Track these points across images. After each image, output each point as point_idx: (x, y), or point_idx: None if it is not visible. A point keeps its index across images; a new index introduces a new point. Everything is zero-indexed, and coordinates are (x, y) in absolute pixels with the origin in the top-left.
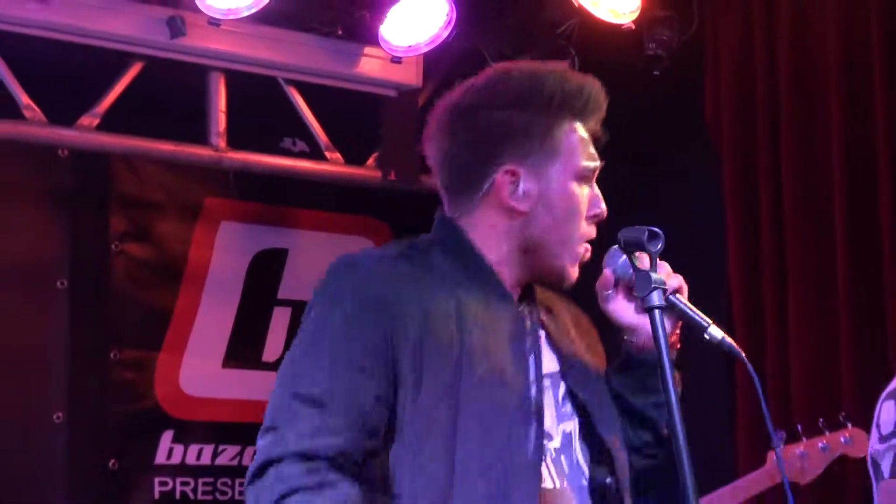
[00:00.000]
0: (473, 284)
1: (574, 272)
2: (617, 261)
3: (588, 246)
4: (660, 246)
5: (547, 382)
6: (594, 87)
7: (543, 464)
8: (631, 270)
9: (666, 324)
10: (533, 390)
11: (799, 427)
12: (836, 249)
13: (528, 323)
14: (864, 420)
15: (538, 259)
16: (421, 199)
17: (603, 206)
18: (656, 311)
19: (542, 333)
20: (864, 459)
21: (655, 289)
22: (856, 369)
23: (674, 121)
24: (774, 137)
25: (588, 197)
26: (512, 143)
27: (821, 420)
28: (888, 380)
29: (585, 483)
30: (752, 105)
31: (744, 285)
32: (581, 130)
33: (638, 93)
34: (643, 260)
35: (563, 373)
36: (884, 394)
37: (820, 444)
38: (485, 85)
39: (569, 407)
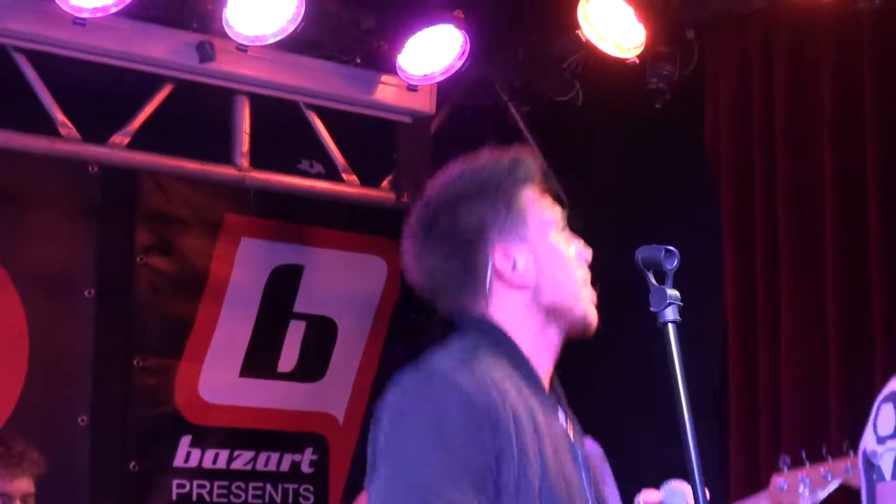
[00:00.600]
0: (528, 386)
1: (594, 314)
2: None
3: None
4: (675, 263)
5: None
6: (525, 157)
7: None
8: None
9: None
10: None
11: (803, 453)
12: (826, 276)
13: (571, 430)
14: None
15: (562, 320)
16: None
17: (586, 248)
18: (670, 326)
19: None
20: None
21: (670, 304)
22: (844, 391)
23: (675, 151)
24: (770, 167)
25: (568, 241)
26: (488, 231)
27: (824, 447)
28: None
29: None
30: (749, 136)
31: (739, 309)
32: (536, 191)
33: (640, 124)
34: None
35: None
36: (882, 396)
37: (822, 471)
38: (448, 188)
39: None
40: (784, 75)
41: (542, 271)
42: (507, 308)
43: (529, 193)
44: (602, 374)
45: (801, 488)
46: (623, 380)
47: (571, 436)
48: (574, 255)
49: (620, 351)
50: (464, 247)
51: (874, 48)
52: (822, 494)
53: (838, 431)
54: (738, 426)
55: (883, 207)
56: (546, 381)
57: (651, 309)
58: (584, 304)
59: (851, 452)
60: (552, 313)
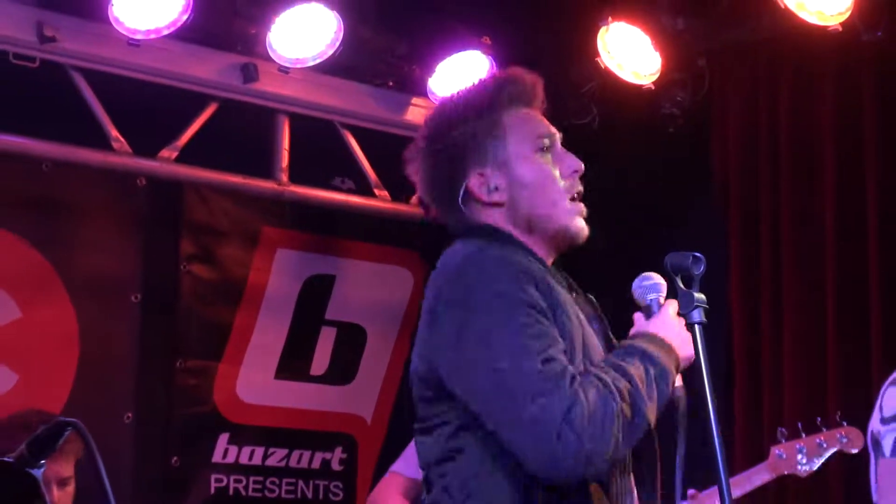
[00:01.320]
0: (543, 268)
1: (578, 224)
2: (640, 284)
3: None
4: (702, 269)
5: None
6: (524, 74)
7: None
8: (648, 296)
9: None
10: None
11: (799, 424)
12: (826, 281)
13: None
14: (854, 420)
15: (542, 232)
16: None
17: (575, 160)
18: (697, 327)
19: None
20: (857, 455)
21: (697, 307)
22: (840, 372)
23: (684, 171)
24: (775, 189)
25: (555, 160)
26: (470, 153)
27: (818, 418)
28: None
29: None
30: (755, 159)
31: (744, 315)
32: (523, 112)
33: (652, 146)
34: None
35: None
36: (889, 380)
37: (818, 440)
38: (437, 115)
39: None
40: (788, 102)
41: (517, 189)
42: (492, 220)
43: (514, 114)
44: None
45: (799, 456)
46: None
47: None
48: (557, 170)
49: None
50: (447, 168)
51: (875, 77)
52: (819, 461)
53: (834, 405)
54: (742, 403)
55: (880, 221)
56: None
57: (679, 312)
58: (567, 215)
59: (844, 423)
60: (532, 227)
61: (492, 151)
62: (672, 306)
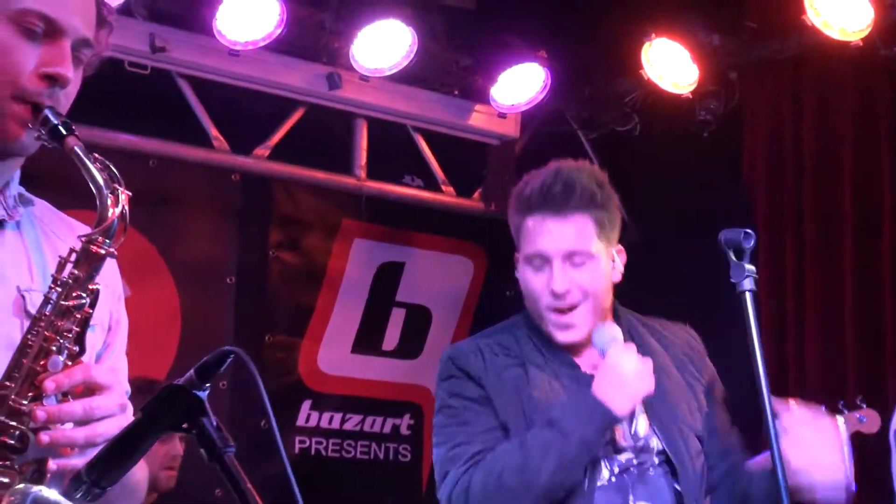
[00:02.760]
0: (540, 347)
1: (556, 335)
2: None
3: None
4: (752, 243)
5: None
6: (528, 183)
7: None
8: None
9: None
10: None
11: (823, 408)
12: (845, 274)
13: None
14: (872, 402)
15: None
16: None
17: (555, 287)
18: (748, 294)
19: None
20: (874, 435)
21: (748, 276)
22: (858, 359)
23: (716, 175)
24: (798, 190)
25: (540, 281)
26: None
27: (840, 402)
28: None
29: None
30: (781, 164)
31: (770, 305)
32: (531, 223)
33: (688, 151)
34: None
35: None
36: None
37: (858, 416)
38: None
39: None
40: (812, 112)
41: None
42: None
43: (525, 226)
44: None
45: None
46: None
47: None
48: (539, 291)
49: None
50: None
51: (891, 88)
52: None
53: (854, 389)
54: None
55: (894, 220)
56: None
57: (731, 280)
58: (546, 327)
59: (863, 405)
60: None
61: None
62: (617, 354)
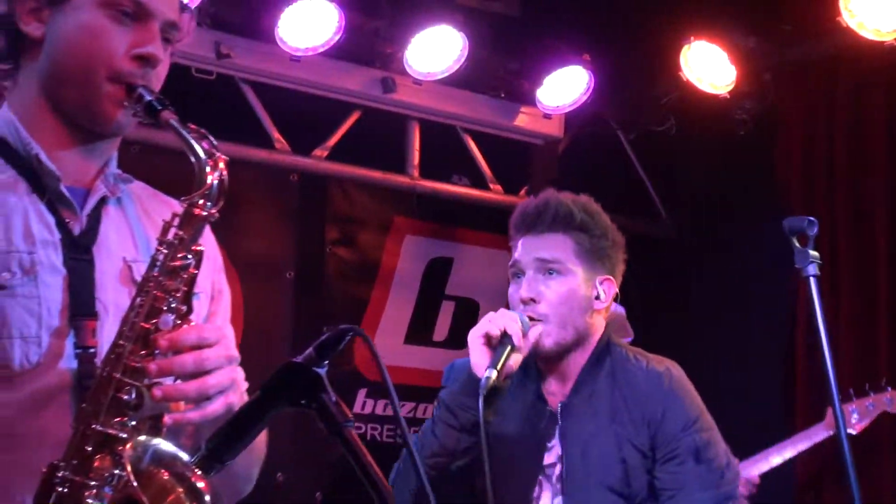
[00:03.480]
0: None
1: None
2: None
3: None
4: (815, 230)
5: None
6: (531, 207)
7: None
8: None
9: None
10: None
11: (851, 390)
12: (878, 268)
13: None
14: None
15: None
16: None
17: (522, 293)
18: (812, 279)
19: None
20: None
21: (812, 262)
22: (889, 346)
23: (750, 173)
24: (831, 187)
25: (514, 291)
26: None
27: (867, 384)
28: None
29: None
30: (813, 161)
31: (806, 298)
32: (515, 245)
33: (721, 150)
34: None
35: None
36: None
37: (867, 403)
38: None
39: None
40: (844, 112)
41: None
42: None
43: (514, 246)
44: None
45: (852, 417)
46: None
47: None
48: (509, 297)
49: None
50: None
51: None
52: (868, 420)
53: (882, 373)
54: (803, 372)
55: None
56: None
57: (796, 266)
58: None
59: (889, 388)
60: None
61: None
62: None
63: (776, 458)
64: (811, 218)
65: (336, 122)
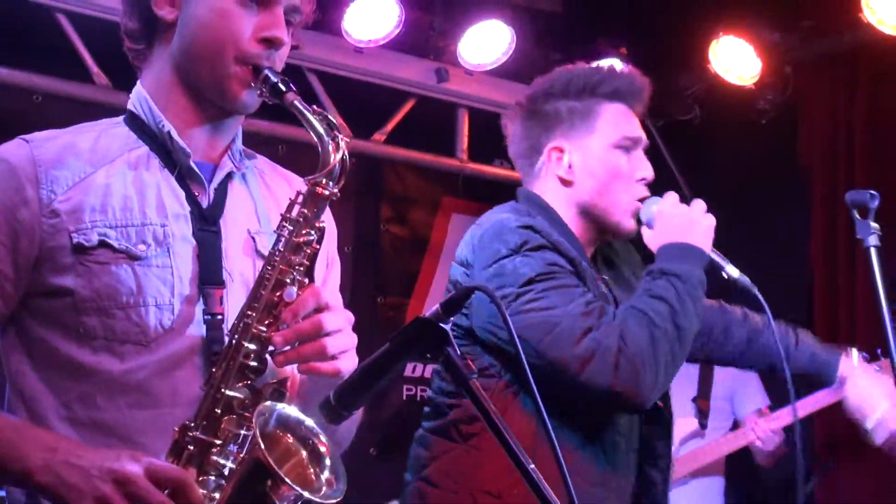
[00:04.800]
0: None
1: (628, 224)
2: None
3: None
4: (876, 203)
5: None
6: (636, 76)
7: None
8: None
9: None
10: None
11: (864, 355)
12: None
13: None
14: None
15: (593, 221)
16: None
17: (649, 169)
18: (873, 249)
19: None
20: None
21: (873, 233)
22: None
23: (774, 160)
24: (850, 172)
25: (631, 162)
26: (559, 125)
27: (879, 350)
28: None
29: None
30: (835, 148)
31: (824, 271)
32: (620, 108)
33: (745, 138)
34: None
35: None
36: None
37: (875, 367)
38: (545, 81)
39: None
40: (863, 104)
41: (588, 175)
42: (551, 192)
43: (612, 107)
44: None
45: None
46: None
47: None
48: (628, 171)
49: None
50: (535, 131)
51: None
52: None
53: None
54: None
55: None
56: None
57: (858, 236)
58: (621, 213)
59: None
60: (586, 212)
61: (578, 132)
62: (671, 197)
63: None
64: (872, 191)
65: (393, 109)
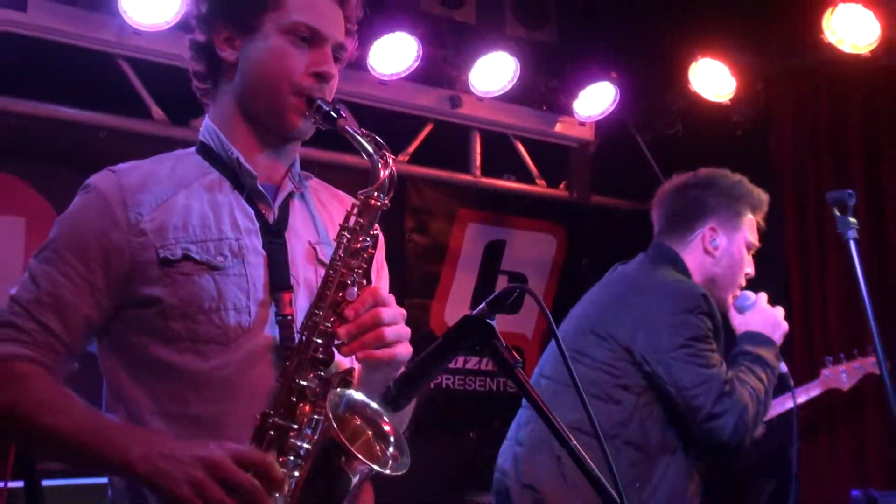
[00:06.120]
0: None
1: (729, 301)
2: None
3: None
4: (853, 201)
5: None
6: (766, 197)
7: None
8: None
9: None
10: None
11: (842, 354)
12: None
13: None
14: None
15: (716, 289)
16: (589, 211)
17: (752, 268)
18: (852, 242)
19: None
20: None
21: (851, 227)
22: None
23: (749, 165)
24: (818, 177)
25: (749, 261)
26: (717, 213)
27: (856, 350)
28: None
29: None
30: (802, 155)
31: (798, 269)
32: (755, 221)
33: (723, 149)
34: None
35: None
36: None
37: (855, 365)
38: (704, 180)
39: None
40: (827, 114)
41: (727, 256)
42: (694, 259)
43: (751, 218)
44: None
45: (842, 376)
46: None
47: None
48: (746, 265)
49: None
50: (693, 210)
51: (892, 91)
52: (854, 380)
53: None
54: (799, 336)
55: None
56: None
57: (838, 231)
58: (731, 293)
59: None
60: (713, 281)
61: (729, 224)
62: (763, 297)
63: (779, 407)
64: (850, 191)
65: (413, 133)
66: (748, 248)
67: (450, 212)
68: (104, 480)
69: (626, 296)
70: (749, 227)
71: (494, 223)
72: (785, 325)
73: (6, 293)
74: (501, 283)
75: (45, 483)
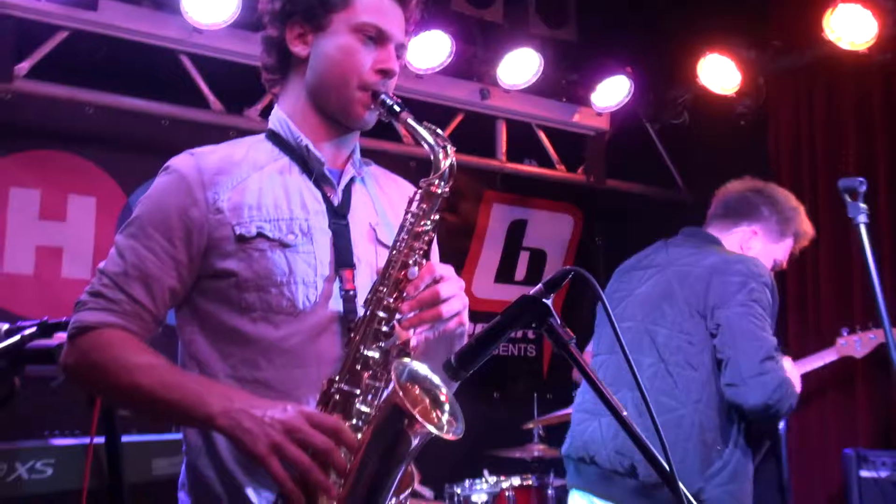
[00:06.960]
0: None
1: None
2: None
3: None
4: (864, 188)
5: None
6: (812, 233)
7: None
8: None
9: None
10: None
11: (857, 326)
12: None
13: None
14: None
15: None
16: (604, 193)
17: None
18: (862, 226)
19: None
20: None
21: (862, 212)
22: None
23: (747, 156)
24: (813, 167)
25: (770, 274)
26: (766, 223)
27: (870, 322)
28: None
29: None
30: (799, 145)
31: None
32: (792, 245)
33: (725, 139)
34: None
35: None
36: None
37: (870, 335)
38: (768, 192)
39: None
40: (822, 107)
41: (764, 257)
42: (734, 243)
43: (791, 242)
44: None
45: (857, 346)
46: None
47: None
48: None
49: None
50: (747, 210)
51: (884, 86)
52: (868, 349)
53: (860, 314)
54: (794, 312)
55: (888, 187)
56: None
57: (849, 215)
58: None
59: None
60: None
61: (770, 234)
62: (789, 362)
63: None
64: (861, 178)
65: (445, 123)
66: (775, 264)
67: (477, 194)
68: (179, 436)
69: (700, 268)
70: (784, 248)
71: (517, 204)
72: (799, 384)
73: (80, 258)
74: (523, 258)
75: (124, 439)
